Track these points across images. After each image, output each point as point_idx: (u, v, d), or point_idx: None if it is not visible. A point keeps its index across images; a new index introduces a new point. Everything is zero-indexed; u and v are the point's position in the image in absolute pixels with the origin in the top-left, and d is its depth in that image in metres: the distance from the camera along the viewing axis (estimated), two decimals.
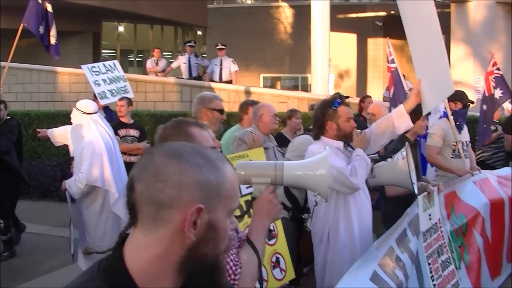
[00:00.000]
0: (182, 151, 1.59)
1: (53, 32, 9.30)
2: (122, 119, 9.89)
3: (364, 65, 27.34)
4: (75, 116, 7.11)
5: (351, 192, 5.19)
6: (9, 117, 9.13)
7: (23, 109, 16.39)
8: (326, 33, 17.87)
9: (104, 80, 11.18)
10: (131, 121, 10.11)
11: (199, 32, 33.28)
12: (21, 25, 8.88)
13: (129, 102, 10.09)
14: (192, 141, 2.79)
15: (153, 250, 1.54)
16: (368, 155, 5.34)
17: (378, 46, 26.87)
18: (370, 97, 11.76)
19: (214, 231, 1.57)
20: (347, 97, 5.55)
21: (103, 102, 10.63)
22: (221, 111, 5.45)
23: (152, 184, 1.53)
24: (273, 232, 4.90)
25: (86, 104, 7.19)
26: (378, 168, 5.67)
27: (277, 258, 4.87)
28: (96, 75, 11.13)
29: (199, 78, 17.45)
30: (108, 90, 11.10)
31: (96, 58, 27.79)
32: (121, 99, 10.14)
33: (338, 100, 5.31)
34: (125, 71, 11.89)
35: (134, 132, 9.88)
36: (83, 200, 7.06)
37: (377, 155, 5.73)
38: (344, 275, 4.04)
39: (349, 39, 27.08)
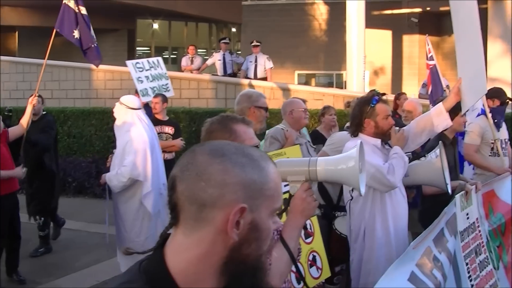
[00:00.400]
0: (225, 150, 1.56)
1: (92, 33, 9.26)
2: (157, 116, 9.88)
3: (399, 62, 27.11)
4: (118, 110, 7.18)
5: (388, 190, 5.14)
6: (44, 112, 9.20)
7: (58, 106, 16.54)
8: (361, 30, 17.81)
9: (147, 77, 11.24)
10: (166, 118, 10.13)
11: (233, 29, 33.36)
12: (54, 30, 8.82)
13: (164, 99, 10.11)
14: (235, 138, 2.80)
15: (195, 251, 1.52)
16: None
17: (414, 43, 26.64)
18: (405, 94, 11.64)
19: (257, 231, 1.54)
20: (383, 94, 5.50)
21: (144, 99, 10.65)
22: (266, 109, 5.51)
23: (195, 183, 1.51)
24: (309, 230, 4.87)
25: (131, 99, 7.28)
26: (411, 167, 5.58)
27: (314, 257, 4.85)
28: (140, 71, 11.19)
29: (234, 75, 17.47)
30: (150, 88, 11.16)
31: (131, 55, 28.04)
32: (155, 96, 10.18)
33: (376, 97, 5.26)
34: None
35: (169, 129, 9.89)
36: (122, 195, 7.13)
37: (410, 153, 5.66)
38: (380, 274, 4.01)
39: (384, 36, 26.88)
